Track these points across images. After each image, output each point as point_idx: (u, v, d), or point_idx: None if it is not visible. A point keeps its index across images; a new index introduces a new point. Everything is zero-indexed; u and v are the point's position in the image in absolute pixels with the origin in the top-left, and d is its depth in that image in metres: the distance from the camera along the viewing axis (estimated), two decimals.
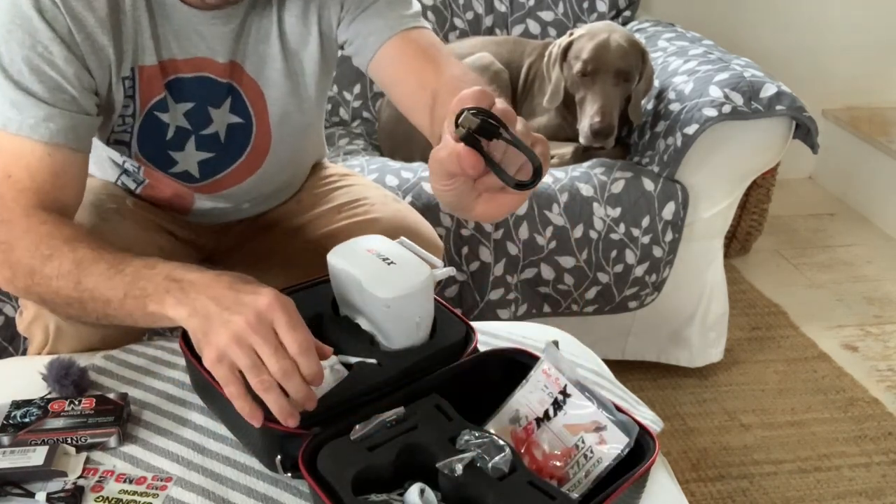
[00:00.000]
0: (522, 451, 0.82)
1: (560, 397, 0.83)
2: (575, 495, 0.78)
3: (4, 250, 0.91)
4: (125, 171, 1.16)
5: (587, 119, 1.75)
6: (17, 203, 0.93)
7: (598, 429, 0.80)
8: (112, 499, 0.79)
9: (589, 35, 1.78)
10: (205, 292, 0.79)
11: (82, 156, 0.98)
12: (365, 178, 1.41)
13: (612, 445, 0.79)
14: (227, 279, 0.80)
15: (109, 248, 0.88)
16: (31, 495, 0.79)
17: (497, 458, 0.75)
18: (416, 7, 1.09)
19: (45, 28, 0.91)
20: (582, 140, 1.77)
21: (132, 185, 1.18)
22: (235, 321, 0.75)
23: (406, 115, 1.09)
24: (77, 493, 0.79)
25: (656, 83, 1.87)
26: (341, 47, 1.12)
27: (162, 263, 0.84)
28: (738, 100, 1.68)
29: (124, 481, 0.82)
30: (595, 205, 1.71)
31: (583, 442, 0.80)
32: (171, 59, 1.02)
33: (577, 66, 1.76)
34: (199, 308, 0.78)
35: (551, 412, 0.83)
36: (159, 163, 1.12)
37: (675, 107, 1.75)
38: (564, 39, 1.83)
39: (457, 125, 0.66)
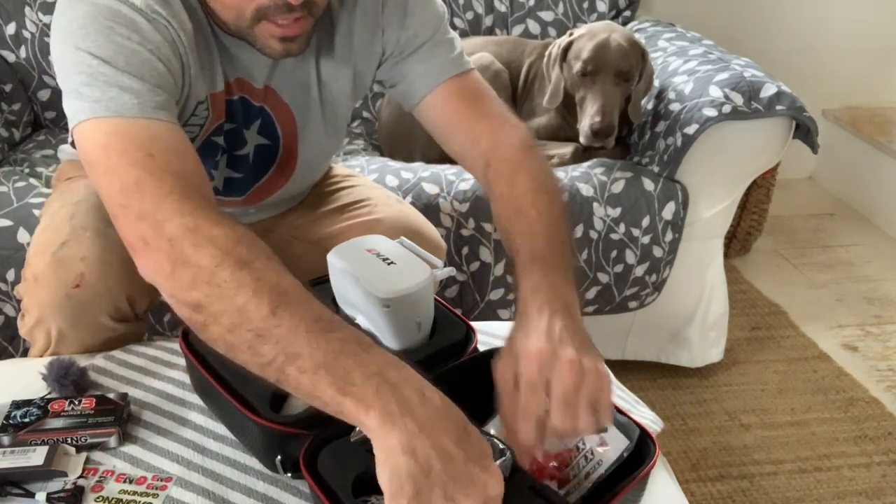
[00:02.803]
0: None
1: None
2: (575, 497, 0.77)
3: (189, 228, 0.74)
4: None
5: (587, 119, 1.75)
6: (184, 185, 0.78)
7: (599, 430, 0.80)
8: (112, 499, 0.79)
9: (589, 35, 1.78)
10: (429, 433, 0.64)
11: None
12: (367, 179, 1.41)
13: (613, 448, 0.79)
14: (454, 422, 0.66)
15: (315, 294, 0.73)
16: (31, 495, 0.79)
17: (497, 462, 0.75)
18: (459, 48, 1.08)
19: (153, 31, 0.87)
20: (582, 140, 1.77)
21: None
22: (458, 502, 0.63)
23: (457, 161, 1.10)
24: (77, 493, 0.79)
25: (656, 83, 1.87)
26: (380, 83, 1.12)
27: (376, 348, 0.69)
28: (738, 100, 1.68)
29: (124, 481, 0.82)
30: (595, 205, 1.71)
31: (583, 444, 0.80)
32: (227, 82, 1.02)
33: (577, 66, 1.76)
34: (420, 453, 0.63)
35: None
36: None
37: (675, 107, 1.75)
38: (564, 39, 1.83)
39: None
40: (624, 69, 1.75)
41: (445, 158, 1.76)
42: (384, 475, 0.64)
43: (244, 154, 1.10)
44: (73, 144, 0.91)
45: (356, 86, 1.10)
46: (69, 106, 0.84)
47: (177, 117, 0.88)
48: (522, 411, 0.75)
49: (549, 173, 1.00)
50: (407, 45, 1.06)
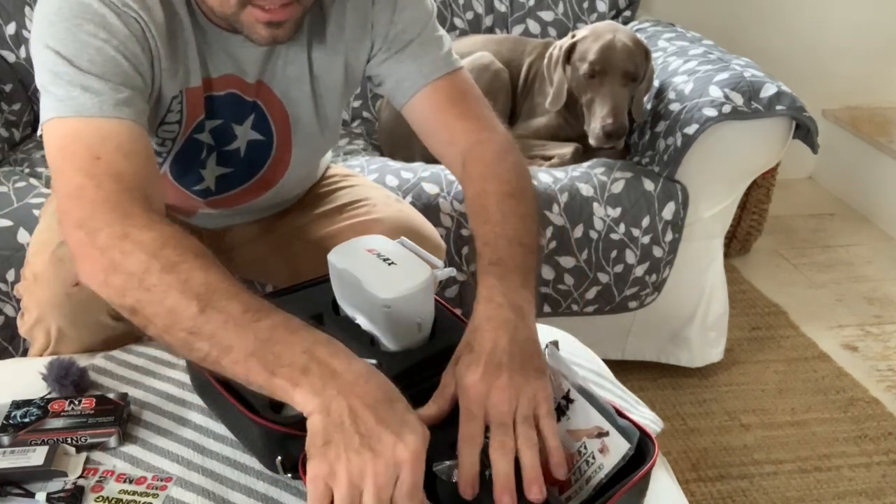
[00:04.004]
0: None
1: (563, 402, 0.83)
2: (576, 502, 0.77)
3: (118, 236, 0.77)
4: None
5: (598, 121, 1.74)
6: (122, 188, 0.81)
7: (601, 434, 0.80)
8: (112, 499, 0.79)
9: (593, 36, 1.78)
10: (347, 395, 0.68)
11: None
12: (367, 179, 1.41)
13: (614, 452, 0.79)
14: (376, 388, 0.69)
15: (242, 285, 0.76)
16: (31, 495, 0.79)
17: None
18: (447, 46, 1.09)
19: (121, 25, 0.88)
20: (593, 142, 1.77)
21: None
22: (363, 460, 0.65)
23: (437, 157, 1.12)
24: (77, 493, 0.79)
25: (656, 82, 1.87)
26: (369, 79, 1.13)
27: (304, 329, 0.72)
28: (738, 100, 1.68)
29: (124, 481, 0.82)
30: (595, 205, 1.71)
31: (585, 448, 0.80)
32: (209, 78, 1.02)
33: (584, 68, 1.76)
34: (333, 411, 0.67)
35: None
36: (185, 181, 1.12)
37: (675, 107, 1.75)
38: (566, 41, 1.83)
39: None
40: (631, 70, 1.75)
41: None
42: (308, 436, 0.68)
43: (234, 149, 1.10)
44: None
45: (348, 79, 1.10)
46: (41, 103, 0.88)
47: (145, 112, 0.90)
48: (463, 437, 0.76)
49: (522, 178, 1.01)
50: (395, 40, 1.06)
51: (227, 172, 1.12)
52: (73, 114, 0.85)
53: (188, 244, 0.78)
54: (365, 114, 2.15)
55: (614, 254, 1.74)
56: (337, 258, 0.91)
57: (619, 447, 0.78)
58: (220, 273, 0.76)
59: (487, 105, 1.10)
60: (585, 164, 1.79)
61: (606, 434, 0.79)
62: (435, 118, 1.07)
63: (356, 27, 1.05)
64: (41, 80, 0.87)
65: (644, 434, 0.80)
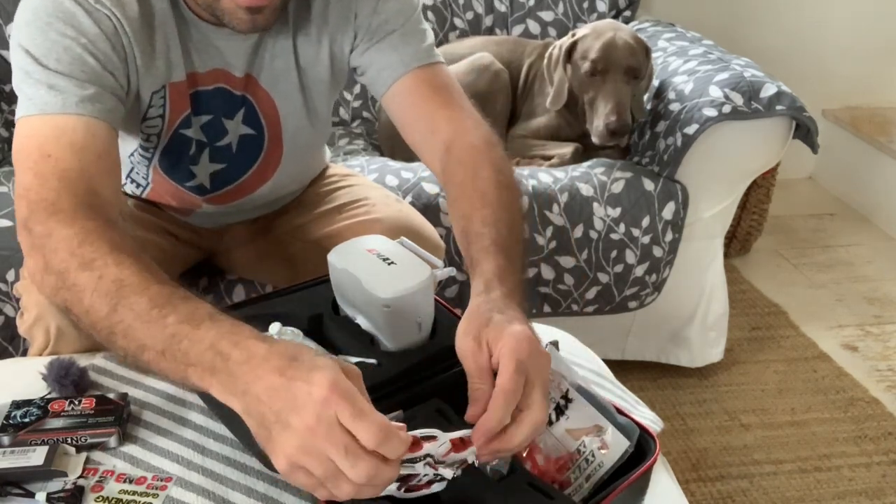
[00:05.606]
0: (524, 456, 0.82)
1: (562, 402, 0.83)
2: (576, 499, 0.77)
3: (45, 234, 0.80)
4: (129, 178, 1.16)
5: (602, 119, 1.74)
6: (64, 185, 0.83)
7: (600, 433, 0.80)
8: (112, 499, 0.79)
9: (594, 34, 1.78)
10: (254, 383, 0.66)
11: (116, 146, 0.92)
12: (366, 179, 1.41)
13: (613, 449, 0.79)
14: (276, 360, 0.66)
15: (155, 274, 0.75)
16: (31, 495, 0.79)
17: (496, 460, 0.75)
18: (430, 39, 1.09)
19: (91, 24, 0.89)
20: (596, 140, 1.77)
21: (136, 191, 1.19)
22: (295, 426, 0.63)
23: (414, 151, 1.09)
24: (77, 493, 0.79)
25: (655, 82, 1.87)
26: (354, 70, 1.12)
27: (208, 323, 0.70)
28: (738, 100, 1.68)
29: (124, 481, 0.82)
30: (595, 205, 1.71)
31: (584, 446, 0.80)
32: (195, 73, 1.02)
33: (586, 66, 1.76)
34: (251, 406, 0.66)
35: (553, 417, 0.83)
36: (177, 177, 1.12)
37: (675, 107, 1.75)
38: (566, 40, 1.83)
39: None
40: (633, 66, 1.75)
41: None
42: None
43: (226, 144, 1.10)
44: None
45: (334, 71, 1.10)
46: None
47: (115, 110, 0.91)
48: (506, 390, 0.70)
49: (512, 172, 1.00)
50: (378, 30, 1.06)
51: (221, 168, 1.12)
52: (39, 112, 0.87)
53: (107, 237, 0.78)
54: (365, 114, 2.15)
55: (614, 254, 1.74)
56: (337, 258, 0.91)
57: (618, 445, 0.79)
58: (133, 266, 0.75)
59: (468, 99, 1.08)
60: (585, 164, 1.79)
61: (605, 432, 0.79)
62: (416, 107, 1.05)
63: (339, 17, 1.05)
64: (15, 79, 0.89)
65: (644, 431, 0.80)
